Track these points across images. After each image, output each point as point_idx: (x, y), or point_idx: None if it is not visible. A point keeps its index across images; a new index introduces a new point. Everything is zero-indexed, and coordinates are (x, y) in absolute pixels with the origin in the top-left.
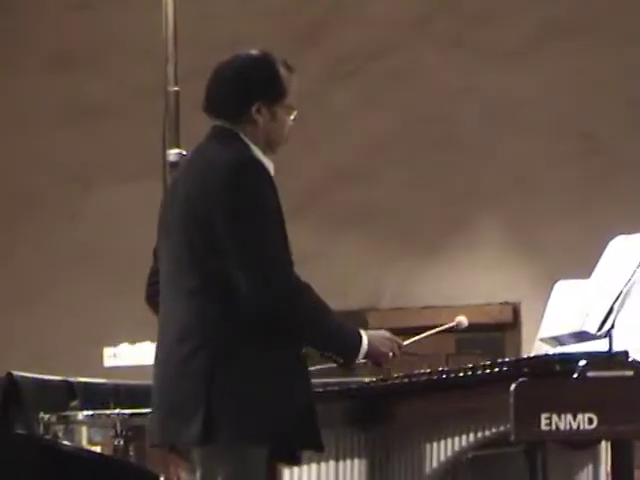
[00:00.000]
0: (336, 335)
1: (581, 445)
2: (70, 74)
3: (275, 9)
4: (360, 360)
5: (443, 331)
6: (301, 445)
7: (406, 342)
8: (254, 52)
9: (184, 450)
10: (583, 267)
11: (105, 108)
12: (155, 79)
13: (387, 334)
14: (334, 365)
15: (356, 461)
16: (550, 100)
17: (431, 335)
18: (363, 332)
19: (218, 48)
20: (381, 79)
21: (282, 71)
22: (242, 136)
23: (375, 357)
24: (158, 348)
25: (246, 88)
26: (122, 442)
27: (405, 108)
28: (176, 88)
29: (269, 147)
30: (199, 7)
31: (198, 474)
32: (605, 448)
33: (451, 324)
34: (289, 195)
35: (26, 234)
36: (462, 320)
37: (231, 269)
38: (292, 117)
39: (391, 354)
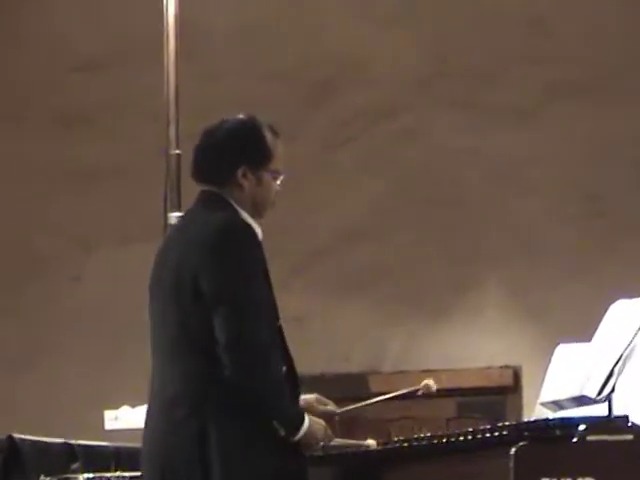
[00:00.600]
0: (288, 409)
1: None
2: (72, 135)
3: (279, 71)
4: (298, 438)
5: (407, 395)
6: None
7: (341, 410)
8: (240, 116)
9: None
10: (585, 331)
11: (107, 170)
12: (157, 141)
13: (323, 423)
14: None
15: None
16: (555, 161)
17: (391, 398)
18: (306, 415)
19: (220, 110)
20: (385, 140)
21: (268, 135)
22: (230, 201)
23: (309, 440)
24: (148, 411)
25: (231, 152)
26: None
27: (410, 169)
28: (178, 151)
29: (256, 211)
30: (201, 68)
31: None
32: None
33: (417, 387)
34: (293, 255)
35: (30, 296)
36: (430, 384)
37: (217, 337)
38: (278, 182)
39: (321, 444)
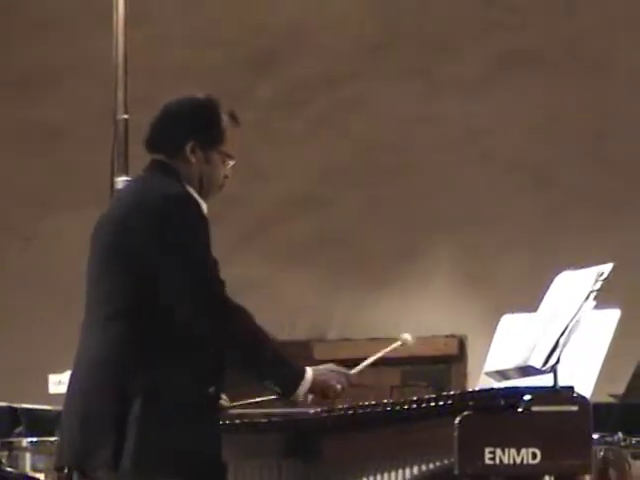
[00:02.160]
0: (274, 365)
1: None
2: (23, 98)
3: (227, 38)
4: (301, 394)
5: (390, 351)
6: None
7: (354, 370)
8: (200, 95)
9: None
10: (530, 301)
11: (57, 133)
12: (106, 106)
13: (334, 367)
14: (275, 397)
15: None
16: (505, 131)
17: (379, 358)
18: (309, 368)
19: (169, 77)
20: (333, 108)
21: (224, 118)
22: (180, 174)
23: (322, 391)
24: (71, 378)
25: (183, 125)
26: (66, 469)
27: (358, 137)
28: (125, 116)
29: (202, 189)
30: (151, 35)
31: None
32: None
33: (397, 343)
34: (239, 224)
35: None
36: (407, 337)
37: (161, 288)
38: (228, 166)
39: (339, 387)
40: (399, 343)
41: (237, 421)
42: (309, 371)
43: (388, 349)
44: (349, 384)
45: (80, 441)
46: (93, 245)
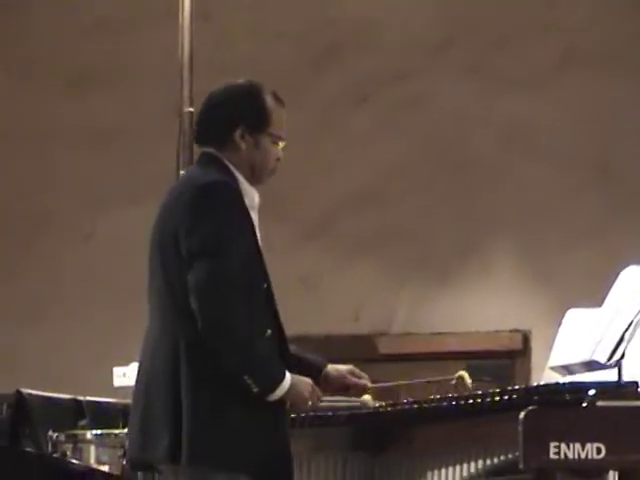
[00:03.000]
0: (261, 363)
1: (590, 474)
2: (86, 95)
3: (292, 32)
4: (276, 397)
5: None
6: None
7: (375, 385)
8: (241, 81)
9: (156, 468)
10: (595, 296)
11: (121, 130)
12: (171, 101)
13: (310, 382)
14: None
15: None
16: (567, 128)
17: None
18: (289, 374)
19: (233, 71)
20: (397, 104)
21: (268, 100)
22: (226, 162)
23: (295, 399)
24: (138, 370)
25: (229, 114)
26: (127, 464)
27: (421, 133)
28: (191, 109)
29: (253, 176)
30: (216, 29)
31: None
32: (613, 478)
33: (451, 377)
34: (304, 219)
35: (41, 253)
36: (465, 375)
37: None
38: (279, 148)
39: (310, 403)
40: (456, 376)
41: (304, 414)
42: (288, 378)
43: (438, 378)
44: (318, 403)
45: (141, 433)
46: (150, 242)
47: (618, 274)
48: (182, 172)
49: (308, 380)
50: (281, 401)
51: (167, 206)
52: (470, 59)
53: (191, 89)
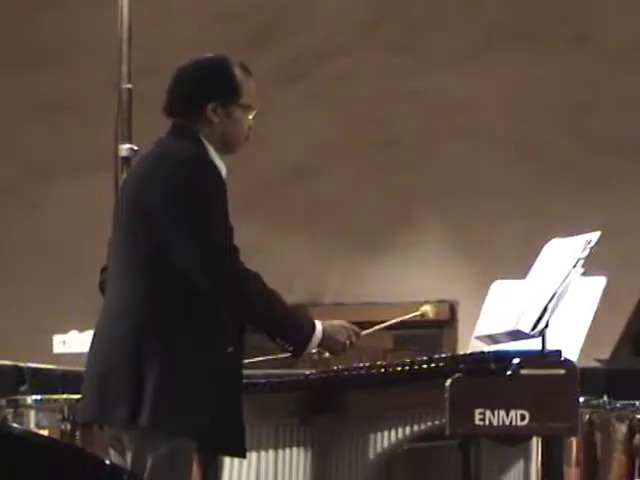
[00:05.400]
0: (285, 322)
1: (513, 441)
2: (29, 70)
3: (227, 11)
4: (313, 349)
5: (405, 321)
6: (223, 450)
7: (365, 332)
8: (211, 55)
9: (113, 431)
10: (520, 268)
11: (63, 104)
12: (110, 77)
13: (344, 322)
14: (284, 355)
15: (294, 451)
16: (492, 105)
17: (394, 323)
18: (318, 322)
19: (171, 48)
20: (328, 81)
21: (237, 72)
22: (199, 135)
23: (331, 346)
24: (96, 329)
25: (201, 88)
26: (69, 426)
27: (351, 109)
28: (129, 85)
29: (226, 146)
30: (153, 8)
31: (128, 457)
32: (536, 444)
33: (416, 313)
34: (238, 191)
35: None
36: (427, 309)
37: (175, 254)
38: (251, 117)
39: (348, 342)
40: (418, 313)
41: (250, 381)
42: (319, 327)
43: (406, 317)
44: (357, 340)
45: (99, 398)
46: (119, 205)
47: (541, 247)
48: (123, 146)
49: (340, 321)
50: (238, 367)
51: (142, 172)
52: (399, 37)
53: (129, 66)
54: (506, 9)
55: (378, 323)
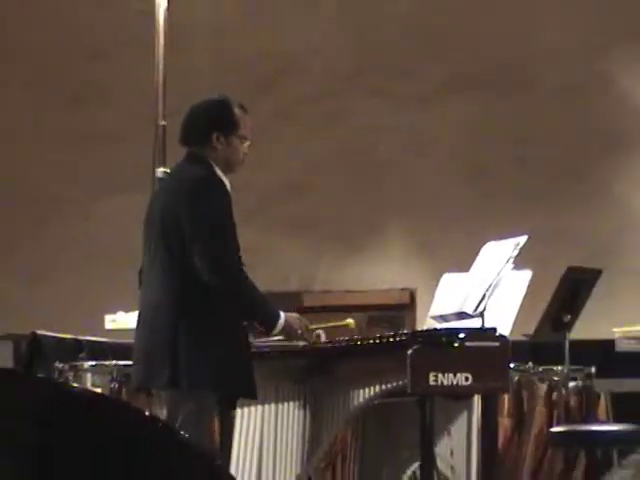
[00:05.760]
0: (262, 310)
1: (459, 397)
2: (85, 109)
3: (240, 62)
4: (277, 331)
5: (335, 326)
6: (242, 394)
7: (312, 327)
8: (216, 96)
9: (156, 393)
10: (464, 264)
11: (112, 136)
12: (148, 114)
13: (298, 316)
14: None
15: (291, 405)
16: (451, 137)
17: (328, 327)
18: (282, 313)
19: (198, 93)
20: (320, 119)
21: (236, 110)
22: (208, 159)
23: (289, 332)
24: (139, 314)
25: (208, 122)
26: (117, 386)
27: (337, 141)
28: (164, 122)
29: (228, 167)
30: (184, 60)
31: (165, 412)
32: (477, 400)
33: (342, 323)
34: (244, 204)
35: (51, 229)
36: (351, 322)
37: (193, 255)
38: (246, 145)
39: (300, 332)
40: (344, 323)
41: (258, 350)
42: (282, 316)
43: (335, 324)
44: (306, 330)
45: (146, 370)
46: (147, 222)
47: (480, 248)
48: (158, 169)
49: (296, 315)
50: (247, 339)
51: (167, 192)
52: (376, 84)
53: (164, 106)
54: (464, 60)
55: (357, 305)
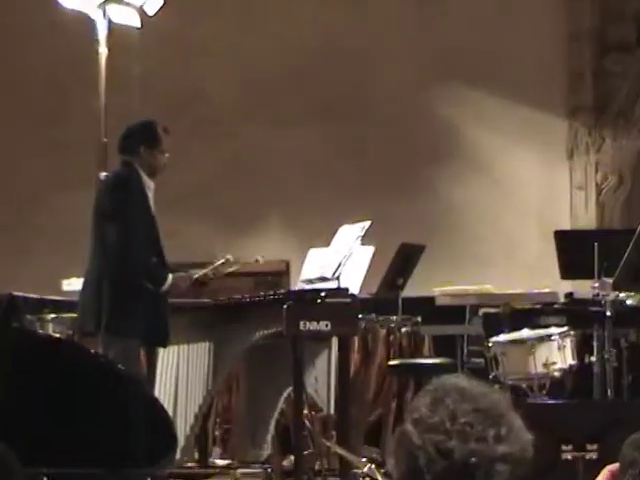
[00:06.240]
0: (154, 275)
1: (321, 339)
2: (51, 127)
3: (162, 94)
4: (165, 288)
5: (221, 265)
6: (157, 343)
7: (195, 275)
8: (145, 120)
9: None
10: (325, 241)
11: (70, 148)
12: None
13: (183, 275)
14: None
15: (199, 345)
16: (311, 152)
17: (213, 268)
18: (170, 275)
19: (131, 117)
20: (219, 136)
21: (159, 131)
22: (135, 165)
23: (175, 288)
24: (83, 282)
25: (138, 138)
26: (72, 332)
27: (232, 153)
28: (105, 140)
29: (151, 172)
30: (121, 93)
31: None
32: (335, 341)
33: (222, 261)
34: (165, 197)
35: (29, 219)
36: (229, 256)
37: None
38: (165, 156)
39: (183, 287)
40: (224, 260)
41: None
42: (170, 277)
43: (217, 264)
44: (190, 284)
45: (82, 320)
46: (94, 207)
47: (337, 229)
48: (101, 173)
49: (183, 274)
50: (161, 293)
51: (102, 187)
52: (255, 110)
53: (106, 128)
54: (317, 93)
55: (246, 272)
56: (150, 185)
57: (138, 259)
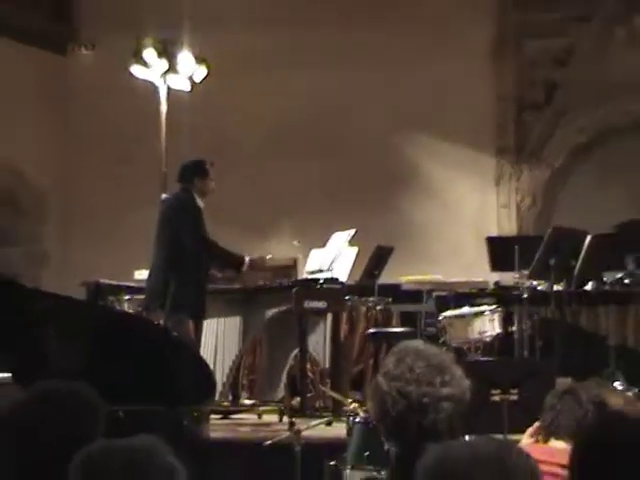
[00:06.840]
0: (231, 259)
1: (320, 314)
2: (126, 163)
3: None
4: (244, 270)
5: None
6: (200, 316)
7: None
8: (197, 159)
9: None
10: (322, 244)
11: (140, 179)
12: (158, 166)
13: (255, 257)
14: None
15: (231, 319)
16: (311, 181)
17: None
18: (246, 257)
19: (184, 156)
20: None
21: (208, 165)
22: (192, 190)
23: (252, 267)
24: (150, 270)
25: (192, 172)
26: (140, 309)
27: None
28: (165, 169)
29: (202, 195)
30: (177, 135)
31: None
32: (329, 316)
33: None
34: (214, 210)
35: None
36: (295, 243)
37: (182, 236)
38: (212, 184)
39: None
40: (270, 256)
41: (213, 288)
42: (246, 259)
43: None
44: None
45: (149, 299)
46: (159, 218)
47: (331, 235)
48: (162, 195)
49: (254, 256)
50: (204, 280)
51: (166, 205)
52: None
53: (167, 159)
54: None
55: (268, 267)
56: (201, 204)
57: (212, 252)
